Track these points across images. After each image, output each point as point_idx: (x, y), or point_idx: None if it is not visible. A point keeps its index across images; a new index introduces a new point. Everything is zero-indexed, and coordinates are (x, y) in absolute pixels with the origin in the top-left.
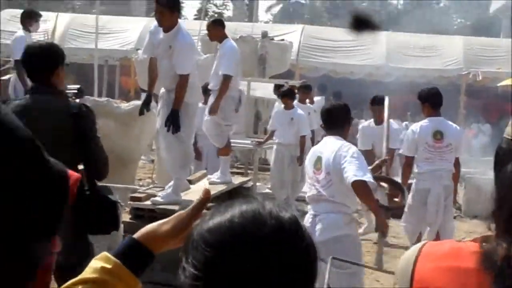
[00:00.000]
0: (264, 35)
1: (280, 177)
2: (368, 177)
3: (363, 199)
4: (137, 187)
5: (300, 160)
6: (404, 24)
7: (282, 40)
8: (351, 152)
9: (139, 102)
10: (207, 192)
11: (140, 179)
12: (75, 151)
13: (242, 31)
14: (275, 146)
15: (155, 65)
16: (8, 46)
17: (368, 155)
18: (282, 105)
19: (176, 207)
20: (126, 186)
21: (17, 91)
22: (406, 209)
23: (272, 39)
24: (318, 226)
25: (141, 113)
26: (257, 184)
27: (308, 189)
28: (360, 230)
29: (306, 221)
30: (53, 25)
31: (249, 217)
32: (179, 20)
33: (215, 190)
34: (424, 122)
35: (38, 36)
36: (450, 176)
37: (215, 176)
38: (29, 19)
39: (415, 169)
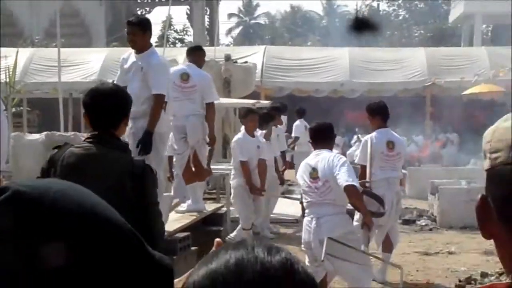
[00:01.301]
0: (227, 58)
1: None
2: (356, 182)
3: (354, 200)
4: None
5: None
6: (366, 39)
7: (245, 62)
8: (342, 161)
9: None
10: (219, 244)
11: None
12: (132, 215)
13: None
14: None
15: None
16: None
17: None
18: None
19: None
20: None
21: None
22: None
23: (236, 61)
24: (325, 226)
25: None
26: (230, 208)
27: (304, 198)
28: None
29: (308, 224)
30: (14, 60)
31: (231, 266)
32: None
33: (188, 219)
34: (376, 133)
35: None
36: (398, 182)
37: (184, 205)
38: None
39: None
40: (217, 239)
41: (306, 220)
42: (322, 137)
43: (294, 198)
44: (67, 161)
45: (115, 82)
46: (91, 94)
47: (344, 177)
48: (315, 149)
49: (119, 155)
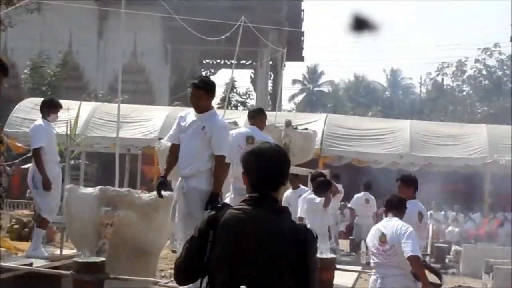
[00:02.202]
0: (288, 123)
1: None
2: (420, 253)
3: (416, 269)
4: (158, 280)
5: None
6: (427, 113)
7: (306, 129)
8: (409, 231)
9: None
10: None
11: (162, 270)
12: (293, 281)
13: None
14: None
15: (176, 152)
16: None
17: None
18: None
19: None
20: (146, 279)
21: (35, 181)
22: None
23: (296, 127)
24: (389, 285)
25: (160, 195)
26: None
27: (372, 258)
28: None
29: (374, 282)
30: (76, 114)
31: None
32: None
33: None
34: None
35: (61, 124)
36: None
37: None
38: (48, 108)
39: None
40: None
41: (372, 278)
42: (396, 206)
43: (349, 270)
44: (228, 223)
45: (166, 138)
46: (256, 154)
47: (409, 248)
48: (386, 216)
49: (281, 219)
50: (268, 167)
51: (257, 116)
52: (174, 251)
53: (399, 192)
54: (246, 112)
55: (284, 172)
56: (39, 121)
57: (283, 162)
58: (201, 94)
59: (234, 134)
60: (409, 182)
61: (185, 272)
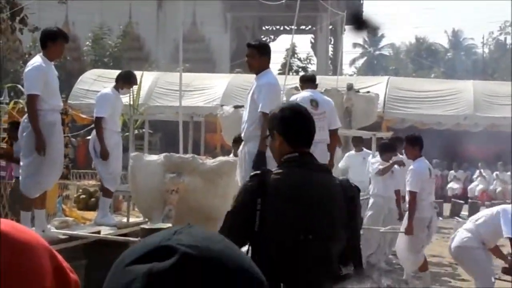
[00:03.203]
0: (350, 87)
1: (373, 230)
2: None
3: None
4: None
5: (400, 214)
6: (490, 73)
7: (368, 92)
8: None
9: (224, 158)
10: None
11: None
12: (344, 235)
13: (327, 84)
14: (372, 199)
15: None
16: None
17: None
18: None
19: None
20: None
21: (96, 150)
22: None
23: (358, 91)
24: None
25: None
26: None
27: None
28: None
29: None
30: (138, 84)
31: None
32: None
33: None
34: (418, 162)
35: (124, 94)
36: None
37: None
38: (123, 80)
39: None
40: None
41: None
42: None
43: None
44: (279, 190)
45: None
46: (292, 111)
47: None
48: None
49: (330, 178)
50: (308, 122)
51: (313, 83)
52: None
53: (405, 152)
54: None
55: (314, 130)
56: (108, 89)
57: (312, 119)
58: (252, 52)
59: (299, 98)
60: (414, 142)
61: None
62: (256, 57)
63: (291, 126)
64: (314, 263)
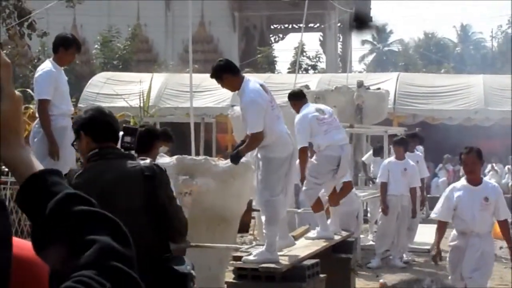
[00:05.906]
0: (360, 84)
1: (387, 227)
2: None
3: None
4: (239, 245)
5: (414, 212)
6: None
7: (378, 89)
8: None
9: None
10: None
11: (242, 236)
12: (150, 215)
13: (337, 82)
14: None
15: None
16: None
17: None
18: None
19: (279, 266)
20: (227, 246)
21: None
22: None
23: (368, 88)
24: None
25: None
26: (361, 236)
27: None
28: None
29: None
30: (148, 86)
31: None
32: (247, 77)
33: (317, 246)
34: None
35: (134, 97)
36: None
37: (314, 232)
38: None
39: None
40: (380, 281)
41: None
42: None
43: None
44: (78, 185)
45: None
46: (96, 111)
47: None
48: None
49: (125, 162)
50: (111, 119)
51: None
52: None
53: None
54: (317, 75)
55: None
56: (47, 64)
57: (115, 117)
58: (219, 81)
59: (310, 115)
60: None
61: None
62: (225, 82)
63: (95, 124)
64: None
